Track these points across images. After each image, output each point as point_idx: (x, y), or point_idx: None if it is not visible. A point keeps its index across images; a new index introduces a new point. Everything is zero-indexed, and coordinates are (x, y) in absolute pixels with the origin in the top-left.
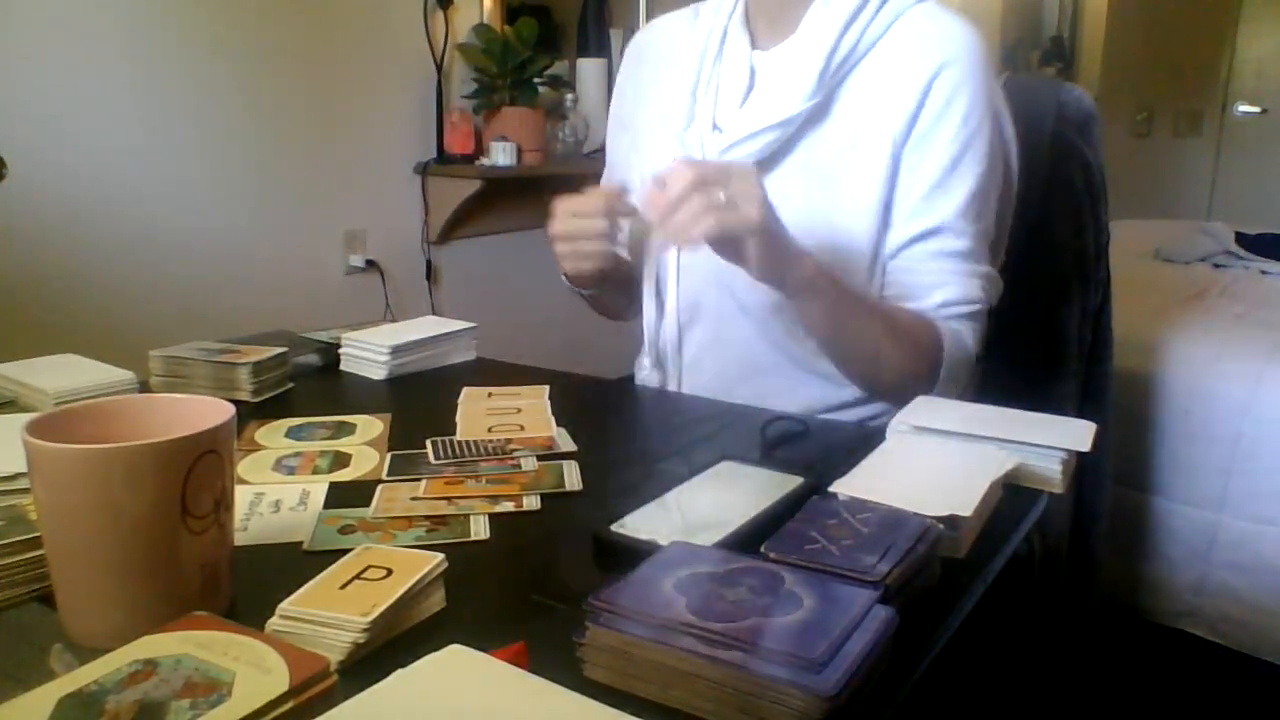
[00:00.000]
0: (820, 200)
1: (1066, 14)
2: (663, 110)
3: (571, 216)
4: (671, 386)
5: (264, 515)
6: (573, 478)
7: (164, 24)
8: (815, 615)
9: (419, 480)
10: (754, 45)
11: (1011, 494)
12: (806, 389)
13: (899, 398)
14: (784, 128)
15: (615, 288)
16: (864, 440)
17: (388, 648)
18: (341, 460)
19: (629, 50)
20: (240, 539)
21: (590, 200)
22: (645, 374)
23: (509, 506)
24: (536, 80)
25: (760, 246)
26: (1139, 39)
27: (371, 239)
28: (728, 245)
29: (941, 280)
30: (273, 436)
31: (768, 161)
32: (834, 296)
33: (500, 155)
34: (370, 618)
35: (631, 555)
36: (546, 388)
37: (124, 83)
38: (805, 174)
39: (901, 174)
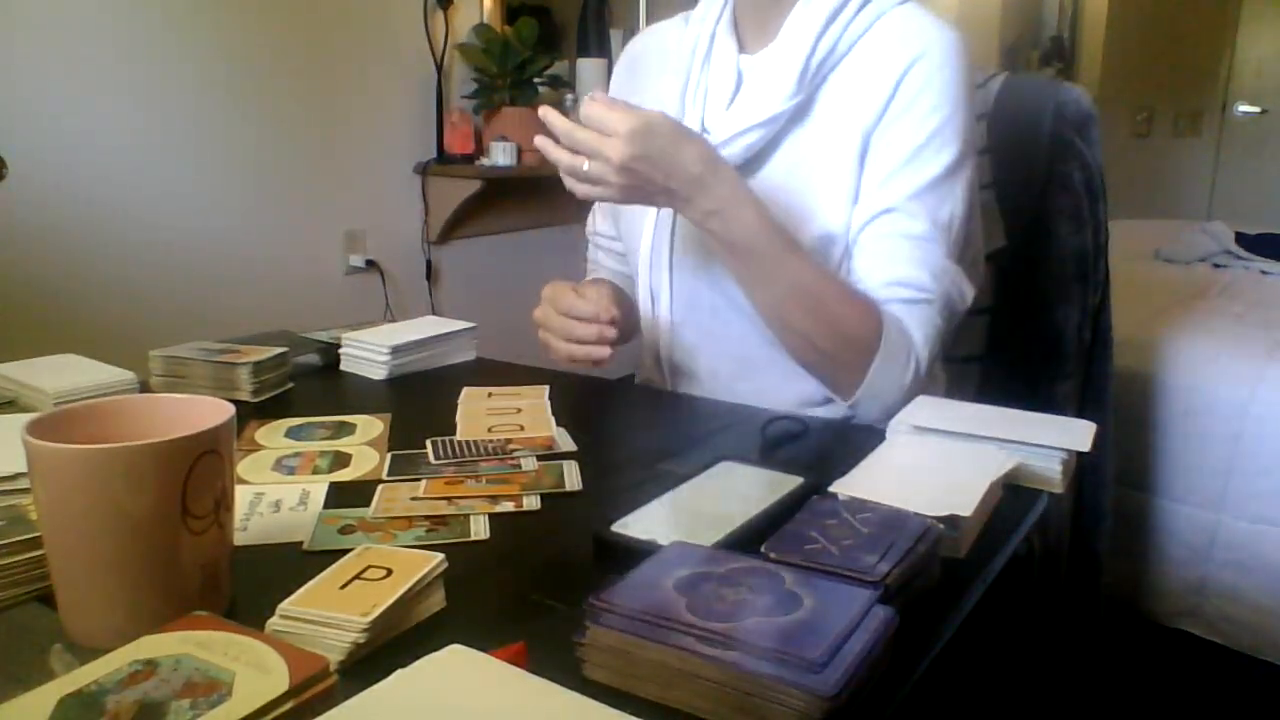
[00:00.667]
0: (804, 196)
1: (1066, 14)
2: None
3: (560, 318)
4: (668, 385)
5: (264, 515)
6: (573, 478)
7: (164, 24)
8: (815, 615)
9: (419, 480)
10: (741, 50)
11: (1011, 494)
12: (801, 382)
13: (832, 378)
14: (767, 127)
15: None
16: (864, 440)
17: (388, 648)
18: (341, 460)
19: (622, 58)
20: (240, 539)
21: (583, 310)
22: (645, 373)
23: (509, 506)
24: (536, 80)
25: (628, 194)
26: (1139, 39)
27: (371, 239)
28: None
29: (886, 260)
30: (273, 436)
31: (754, 160)
32: (734, 240)
33: (500, 155)
34: (370, 618)
35: (631, 555)
36: (546, 388)
37: (124, 83)
38: (790, 171)
39: (867, 161)
